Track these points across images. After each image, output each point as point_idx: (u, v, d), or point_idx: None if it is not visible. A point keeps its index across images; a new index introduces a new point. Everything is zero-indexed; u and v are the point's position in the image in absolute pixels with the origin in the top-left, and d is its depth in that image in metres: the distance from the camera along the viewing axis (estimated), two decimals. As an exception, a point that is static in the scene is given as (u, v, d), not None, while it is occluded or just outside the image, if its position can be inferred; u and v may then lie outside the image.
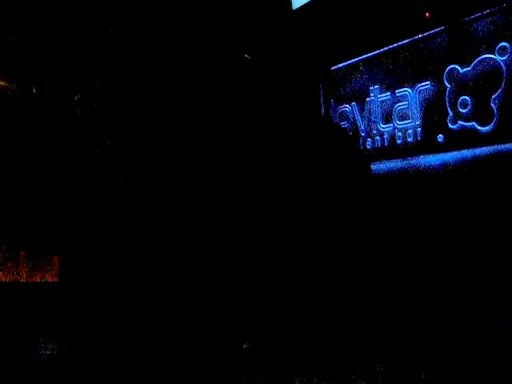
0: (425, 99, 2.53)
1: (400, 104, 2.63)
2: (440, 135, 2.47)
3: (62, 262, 3.80)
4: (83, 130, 3.89)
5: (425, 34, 2.53)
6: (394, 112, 2.65)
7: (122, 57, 3.74)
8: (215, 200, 3.08)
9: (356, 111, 2.83)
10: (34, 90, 4.07)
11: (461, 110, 2.39)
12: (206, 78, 3.27)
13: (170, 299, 2.92)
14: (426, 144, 2.52)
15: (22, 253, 4.07)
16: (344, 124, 2.90)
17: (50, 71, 4.01)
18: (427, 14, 2.50)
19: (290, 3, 3.01)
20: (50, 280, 4.06)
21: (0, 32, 3.98)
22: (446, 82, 2.45)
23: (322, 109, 2.97)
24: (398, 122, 2.64)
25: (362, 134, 2.81)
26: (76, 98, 3.84)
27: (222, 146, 3.19)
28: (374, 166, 2.70)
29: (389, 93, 2.68)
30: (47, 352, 2.64)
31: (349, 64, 2.86)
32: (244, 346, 2.19)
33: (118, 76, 3.75)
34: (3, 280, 3.95)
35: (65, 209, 3.96)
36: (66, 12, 3.83)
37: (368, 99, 2.77)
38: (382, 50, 2.71)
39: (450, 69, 2.42)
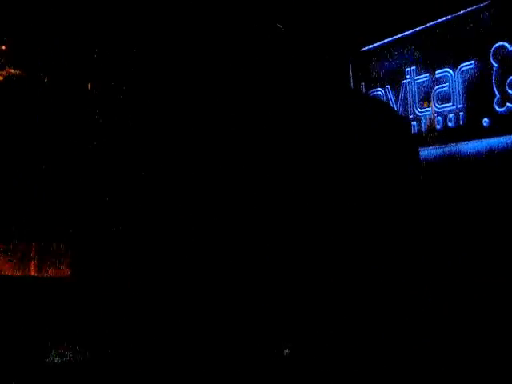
0: (468, 80, 2.33)
1: (440, 86, 2.43)
2: (485, 119, 2.28)
3: (74, 256, 3.65)
4: (95, 123, 3.73)
5: (468, 10, 2.33)
6: (434, 95, 2.46)
7: (138, 47, 3.57)
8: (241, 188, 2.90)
9: (390, 95, 2.63)
10: (46, 79, 3.92)
11: (509, 92, 2.20)
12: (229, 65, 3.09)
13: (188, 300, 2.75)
14: (469, 129, 2.33)
15: (33, 244, 3.94)
16: (377, 109, 2.71)
17: (62, 61, 3.86)
18: (471, -12, 2.31)
19: (317, -20, 2.82)
20: (62, 275, 3.93)
21: (12, 21, 3.83)
22: (492, 61, 2.25)
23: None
24: (438, 106, 2.45)
25: (397, 120, 2.62)
26: (89, 89, 3.68)
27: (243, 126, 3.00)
28: (411, 154, 2.51)
29: (427, 74, 2.48)
30: (57, 359, 2.47)
31: (382, 44, 2.67)
32: (285, 352, 2.02)
33: (133, 68, 3.59)
34: (11, 274, 3.81)
35: (75, 201, 3.81)
36: (77, 4, 3.67)
37: (404, 81, 2.58)
38: (419, 28, 2.51)
39: (497, 46, 2.22)
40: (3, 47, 3.99)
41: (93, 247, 3.40)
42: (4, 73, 4.03)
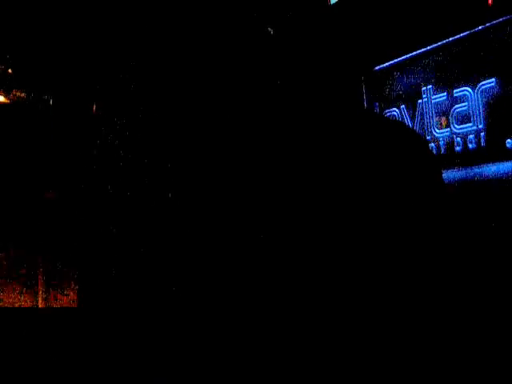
0: (489, 99, 2.20)
1: (459, 105, 2.30)
2: (509, 140, 2.14)
3: (81, 285, 3.55)
4: (100, 141, 3.65)
5: (487, 25, 2.20)
6: (452, 115, 2.33)
7: (142, 66, 3.49)
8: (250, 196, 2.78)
9: (405, 115, 2.51)
10: (51, 102, 3.85)
11: (533, 111, 2.07)
12: (243, 76, 3.00)
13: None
14: (491, 150, 2.19)
15: (40, 271, 3.85)
16: (392, 130, 2.58)
17: (67, 82, 3.79)
18: (490, 2, 2.18)
19: (328, -3, 2.72)
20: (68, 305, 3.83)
21: (18, 43, 3.78)
22: (514, 79, 2.12)
23: (367, 114, 2.66)
24: (457, 127, 2.31)
25: (414, 141, 2.49)
26: (93, 110, 3.60)
27: (254, 143, 2.89)
28: (429, 177, 2.38)
29: (445, 93, 2.35)
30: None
31: (396, 62, 2.55)
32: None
33: (136, 87, 3.51)
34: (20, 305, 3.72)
35: (82, 224, 3.72)
36: (83, 25, 3.61)
37: (420, 101, 2.45)
38: (435, 44, 2.39)
39: (520, 63, 2.10)
40: (9, 70, 3.92)
41: (99, 277, 3.29)
42: (11, 95, 3.95)
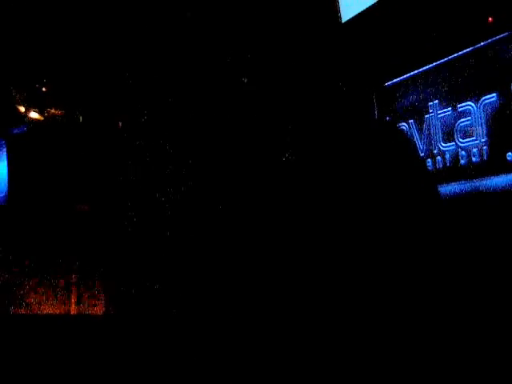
0: (491, 113, 2.26)
1: (463, 120, 2.37)
2: (510, 153, 2.19)
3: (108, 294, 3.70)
4: (128, 157, 3.80)
5: (489, 41, 2.27)
6: (457, 129, 2.39)
7: (166, 83, 3.63)
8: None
9: (414, 129, 2.58)
10: (81, 118, 4.03)
11: (533, 124, 2.12)
12: (252, 95, 3.10)
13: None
14: (493, 163, 2.25)
15: (74, 280, 4.01)
16: (401, 144, 2.65)
17: (95, 100, 3.96)
18: (490, 19, 2.25)
19: (339, 16, 2.81)
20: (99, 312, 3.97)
21: (52, 63, 3.97)
22: (514, 93, 2.17)
23: (377, 128, 2.73)
24: (461, 140, 2.38)
25: (421, 154, 2.55)
26: (120, 126, 3.76)
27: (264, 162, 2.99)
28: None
29: (450, 108, 2.42)
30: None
31: (405, 78, 2.62)
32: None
33: (163, 102, 3.65)
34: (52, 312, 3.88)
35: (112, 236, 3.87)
36: (108, 42, 3.77)
37: (427, 116, 2.52)
38: (440, 61, 2.46)
39: (520, 78, 2.15)
40: (44, 89, 4.12)
41: (127, 287, 3.43)
42: (45, 113, 4.15)
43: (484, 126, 2.28)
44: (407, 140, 2.40)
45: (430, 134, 2.50)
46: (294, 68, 2.99)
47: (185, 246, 3.46)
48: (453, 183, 2.38)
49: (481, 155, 2.29)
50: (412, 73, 2.58)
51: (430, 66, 2.50)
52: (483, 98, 2.28)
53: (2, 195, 3.98)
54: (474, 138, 2.32)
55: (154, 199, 3.70)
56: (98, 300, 4.00)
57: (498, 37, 2.23)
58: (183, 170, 3.58)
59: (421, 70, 2.55)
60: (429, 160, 2.52)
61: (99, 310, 3.82)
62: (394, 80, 2.68)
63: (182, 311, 3.13)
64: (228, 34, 3.29)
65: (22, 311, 3.67)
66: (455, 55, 2.38)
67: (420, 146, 2.56)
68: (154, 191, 3.69)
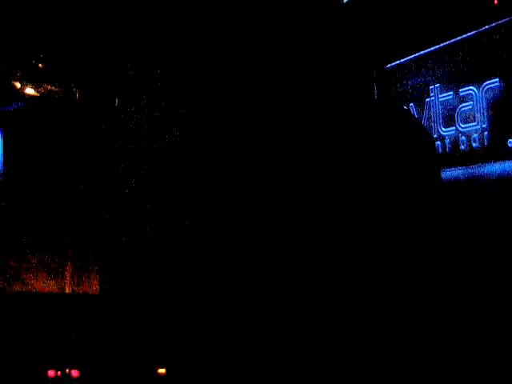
0: (492, 99, 2.23)
1: (464, 105, 2.33)
2: (510, 140, 2.17)
3: (102, 273, 3.69)
4: (128, 137, 3.77)
5: (493, 25, 2.23)
6: (457, 114, 2.36)
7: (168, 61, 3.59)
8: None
9: (414, 113, 2.55)
10: (78, 95, 3.98)
11: (535, 111, 2.09)
12: (253, 75, 3.07)
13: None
14: (493, 149, 2.22)
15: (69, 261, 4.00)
16: (401, 127, 2.62)
17: (92, 77, 3.91)
18: (496, 2, 2.20)
19: (341, -4, 2.76)
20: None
21: (48, 38, 3.91)
22: (517, 79, 2.14)
23: (377, 111, 2.70)
24: (462, 125, 2.35)
25: (421, 139, 2.52)
26: (117, 103, 3.71)
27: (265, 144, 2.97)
28: (434, 175, 2.41)
29: (451, 92, 2.39)
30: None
31: (406, 61, 2.58)
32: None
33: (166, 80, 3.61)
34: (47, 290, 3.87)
35: (107, 216, 3.85)
36: (108, 20, 3.72)
37: (427, 99, 2.49)
38: (442, 44, 2.42)
39: (523, 63, 2.12)
40: (40, 65, 4.07)
41: (120, 266, 3.42)
42: (41, 89, 4.10)
43: (485, 111, 2.25)
44: (409, 123, 2.36)
45: (430, 117, 2.47)
46: (292, 50, 2.95)
47: (180, 227, 3.44)
48: (452, 168, 2.36)
49: (481, 141, 2.27)
50: (413, 55, 2.54)
51: (432, 48, 2.46)
52: (485, 82, 2.25)
53: (-3, 172, 3.95)
54: (474, 124, 2.29)
55: (150, 178, 3.67)
56: (93, 278, 3.99)
57: (502, 21, 2.19)
58: (181, 150, 3.55)
59: (422, 52, 2.51)
60: (428, 144, 2.49)
61: (94, 287, 3.81)
62: (395, 62, 2.64)
63: (177, 291, 3.12)
64: (225, 19, 3.24)
65: (17, 288, 3.66)
66: (458, 38, 2.34)
67: (420, 130, 2.53)
68: (150, 169, 3.67)
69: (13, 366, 2.80)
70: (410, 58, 2.56)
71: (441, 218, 2.22)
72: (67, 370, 2.43)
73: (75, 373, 2.38)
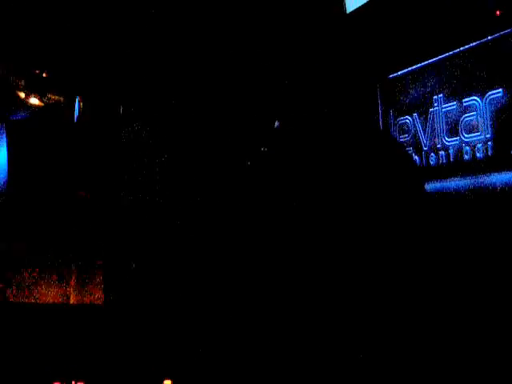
0: (496, 109, 2.23)
1: (468, 115, 2.34)
2: (514, 150, 2.17)
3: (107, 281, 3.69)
4: (131, 144, 3.78)
5: (495, 36, 2.23)
6: (461, 124, 2.37)
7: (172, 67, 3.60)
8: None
9: (418, 123, 2.55)
10: (82, 104, 3.99)
11: (539, 121, 2.09)
12: (255, 86, 3.08)
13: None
14: (498, 160, 2.22)
15: (74, 270, 4.00)
16: (405, 137, 2.62)
17: (97, 86, 3.92)
18: (498, 13, 2.21)
19: (344, 6, 2.77)
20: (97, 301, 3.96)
21: (52, 47, 3.93)
22: (520, 89, 2.15)
23: (381, 121, 2.71)
24: (466, 135, 2.35)
25: (425, 149, 2.53)
26: (121, 112, 3.72)
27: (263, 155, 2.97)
28: (439, 184, 2.42)
29: (455, 102, 2.39)
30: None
31: (410, 71, 2.59)
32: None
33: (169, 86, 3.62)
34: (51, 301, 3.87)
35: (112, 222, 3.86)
36: (114, 31, 3.74)
37: (431, 109, 2.49)
38: (446, 54, 2.42)
39: (526, 74, 2.12)
40: (44, 74, 4.08)
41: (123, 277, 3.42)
42: (45, 99, 4.11)
43: (489, 121, 2.25)
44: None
45: (434, 128, 2.47)
46: (295, 60, 2.96)
47: (184, 234, 3.45)
48: (456, 178, 2.36)
49: (485, 151, 2.27)
50: (417, 66, 2.55)
51: (436, 59, 2.46)
52: (489, 93, 2.25)
53: (1, 181, 3.96)
54: (478, 134, 2.30)
55: (155, 186, 3.68)
56: (98, 288, 4.00)
57: (505, 31, 2.20)
58: (184, 158, 3.56)
59: (426, 62, 2.51)
60: (432, 154, 2.49)
61: (99, 298, 3.81)
62: (399, 72, 2.64)
63: (182, 299, 3.12)
64: (227, 25, 3.26)
65: (21, 299, 3.66)
66: (461, 49, 2.35)
67: (424, 140, 2.53)
68: (155, 177, 3.67)
69: (17, 378, 2.80)
70: (414, 68, 2.57)
71: (431, 228, 2.23)
72: (73, 383, 2.43)
73: (81, 385, 2.38)
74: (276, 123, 2.79)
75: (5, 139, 4.18)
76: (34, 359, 2.91)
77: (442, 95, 2.44)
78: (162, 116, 3.58)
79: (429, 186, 2.48)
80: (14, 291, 3.66)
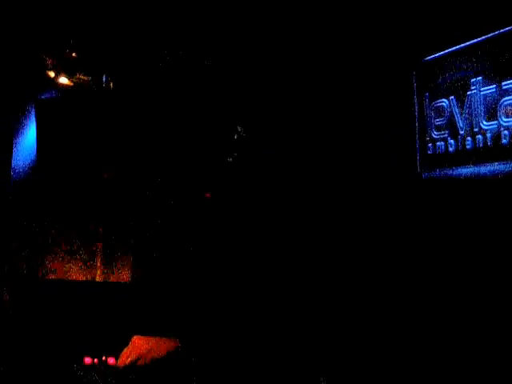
0: (537, 92, 2.19)
1: (507, 98, 2.30)
2: (555, 134, 2.13)
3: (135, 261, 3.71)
4: (161, 127, 3.78)
5: (538, 17, 2.18)
6: (500, 107, 2.32)
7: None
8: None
9: (454, 106, 2.51)
10: (112, 85, 3.99)
11: None
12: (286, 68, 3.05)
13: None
14: (537, 144, 2.19)
15: (99, 245, 4.03)
16: (440, 121, 2.59)
17: (126, 67, 3.92)
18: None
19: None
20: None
21: (81, 27, 3.93)
22: None
23: (416, 104, 2.67)
24: (504, 119, 2.31)
25: (461, 133, 2.49)
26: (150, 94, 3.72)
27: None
28: (475, 169, 2.38)
29: (494, 85, 2.35)
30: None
31: (447, 53, 2.54)
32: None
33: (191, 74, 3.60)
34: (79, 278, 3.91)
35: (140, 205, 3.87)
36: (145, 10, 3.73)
37: (469, 92, 2.45)
38: (484, 36, 2.38)
39: None
40: (73, 54, 4.09)
41: (150, 254, 3.44)
42: (74, 79, 4.12)
43: (529, 105, 2.21)
44: None
45: (471, 111, 2.44)
46: (326, 40, 2.92)
47: (215, 212, 3.43)
48: (493, 163, 2.33)
49: (524, 135, 2.23)
50: (455, 47, 2.51)
51: (474, 40, 2.42)
52: (530, 76, 2.21)
53: (31, 160, 3.99)
54: (518, 118, 2.26)
55: (183, 167, 3.67)
56: (124, 268, 4.02)
57: (549, 13, 2.15)
58: (215, 140, 3.55)
59: (464, 44, 2.47)
60: (469, 138, 2.45)
61: (125, 278, 3.84)
62: (435, 55, 2.60)
63: (205, 277, 3.12)
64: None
65: (50, 277, 3.70)
66: (502, 30, 2.30)
67: (460, 123, 2.49)
68: (183, 157, 3.67)
69: (50, 353, 2.84)
70: (451, 50, 2.53)
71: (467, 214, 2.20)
72: (104, 357, 2.45)
73: (111, 360, 2.40)
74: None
75: (34, 119, 4.20)
76: (66, 335, 2.95)
77: (480, 78, 2.40)
78: (195, 97, 3.56)
79: (464, 171, 2.45)
80: (44, 270, 3.70)
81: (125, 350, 2.39)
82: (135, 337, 2.40)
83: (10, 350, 3.00)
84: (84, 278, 3.82)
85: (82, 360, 2.46)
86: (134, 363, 2.30)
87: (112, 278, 3.97)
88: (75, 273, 3.80)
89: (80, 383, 2.32)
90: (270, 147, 3.12)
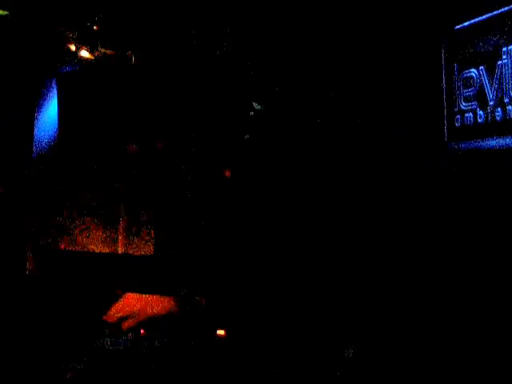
0: None
1: (539, 67, 2.24)
2: None
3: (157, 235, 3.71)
4: (183, 101, 3.75)
5: None
6: (532, 77, 2.27)
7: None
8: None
9: (484, 76, 2.45)
10: (134, 60, 3.97)
11: None
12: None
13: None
14: None
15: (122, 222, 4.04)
16: (469, 92, 2.53)
17: (149, 41, 3.89)
18: None
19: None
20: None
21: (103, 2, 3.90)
22: None
23: (444, 75, 2.62)
24: (536, 90, 2.26)
25: (491, 103, 2.44)
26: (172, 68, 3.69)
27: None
28: (505, 140, 2.34)
29: (526, 54, 2.29)
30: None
31: (477, 21, 2.48)
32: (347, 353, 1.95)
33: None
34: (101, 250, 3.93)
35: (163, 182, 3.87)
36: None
37: (499, 62, 2.39)
38: (517, 4, 2.31)
39: None
40: (95, 27, 4.07)
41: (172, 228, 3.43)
42: (96, 52, 4.10)
43: None
44: None
45: (501, 81, 2.38)
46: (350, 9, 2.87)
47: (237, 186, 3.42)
48: (524, 134, 2.28)
49: (557, 105, 2.18)
50: (485, 16, 2.44)
51: (506, 8, 2.35)
52: None
53: (53, 133, 4.00)
54: (550, 87, 2.20)
55: (205, 142, 3.65)
56: (145, 242, 4.03)
57: None
58: (237, 116, 3.52)
59: (494, 13, 2.41)
60: (498, 109, 2.40)
61: (148, 247, 3.85)
62: (465, 23, 2.54)
63: (227, 256, 3.12)
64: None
65: (72, 249, 3.72)
66: (536, -3, 2.24)
67: (490, 94, 2.44)
68: (205, 133, 3.65)
69: (72, 324, 2.86)
70: (482, 19, 2.46)
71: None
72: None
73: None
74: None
75: (56, 92, 4.20)
76: (87, 303, 2.96)
77: (511, 47, 2.34)
78: (216, 72, 3.52)
79: (494, 142, 2.40)
80: (66, 241, 3.72)
81: (115, 305, 2.23)
82: (128, 293, 2.27)
83: (34, 314, 3.03)
84: (105, 250, 3.83)
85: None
86: (122, 321, 2.18)
87: (134, 252, 3.98)
88: (97, 245, 3.82)
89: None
90: (288, 123, 3.08)
